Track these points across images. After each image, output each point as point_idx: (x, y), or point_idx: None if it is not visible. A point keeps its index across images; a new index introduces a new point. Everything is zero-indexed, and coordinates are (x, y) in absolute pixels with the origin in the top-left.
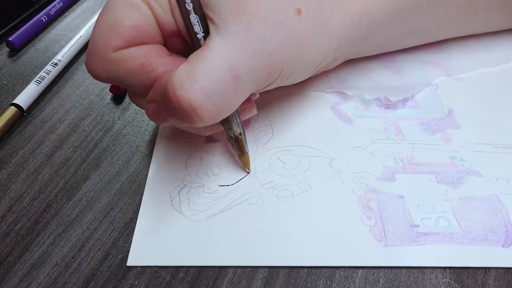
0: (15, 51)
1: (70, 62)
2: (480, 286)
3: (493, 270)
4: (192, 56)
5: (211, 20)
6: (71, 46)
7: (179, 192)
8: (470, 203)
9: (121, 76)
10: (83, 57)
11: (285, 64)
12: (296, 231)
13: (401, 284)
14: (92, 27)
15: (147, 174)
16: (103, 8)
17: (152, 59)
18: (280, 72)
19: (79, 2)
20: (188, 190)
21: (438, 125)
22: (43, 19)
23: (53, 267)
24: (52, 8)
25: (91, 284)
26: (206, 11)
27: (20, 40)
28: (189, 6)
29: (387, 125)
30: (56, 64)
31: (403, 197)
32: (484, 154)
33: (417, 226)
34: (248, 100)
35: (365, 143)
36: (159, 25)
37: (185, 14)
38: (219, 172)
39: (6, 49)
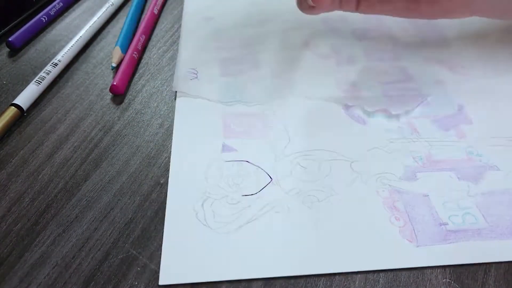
0: (15, 51)
1: (70, 62)
2: (480, 286)
3: (493, 270)
4: None
5: None
6: (71, 46)
7: (202, 205)
8: (493, 197)
9: None
10: (83, 57)
11: None
12: (326, 237)
13: (401, 284)
14: (92, 28)
15: (147, 174)
16: None
17: None
18: None
19: (79, 2)
20: (212, 202)
21: (451, 121)
22: (43, 19)
23: (53, 267)
24: (52, 8)
25: (91, 284)
26: None
27: (20, 41)
28: None
29: (401, 124)
30: (56, 64)
31: (428, 195)
32: (499, 148)
33: (446, 224)
34: None
35: (383, 143)
36: None
37: None
38: (240, 182)
39: (6, 49)
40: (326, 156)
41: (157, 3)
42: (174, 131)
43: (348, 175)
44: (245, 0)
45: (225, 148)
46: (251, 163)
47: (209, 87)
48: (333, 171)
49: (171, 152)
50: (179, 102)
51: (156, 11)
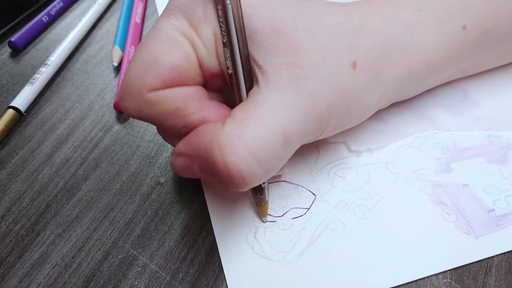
0: (17, 51)
1: (70, 62)
2: (481, 286)
3: (494, 270)
4: (239, 113)
5: (260, 68)
6: (63, 47)
7: (255, 236)
8: None
9: (154, 117)
10: (83, 58)
11: (333, 120)
12: (389, 247)
13: (401, 285)
14: (82, 28)
15: (147, 174)
16: (142, 42)
17: (190, 103)
18: (326, 128)
19: (79, 2)
20: (263, 231)
21: (461, 107)
22: (44, 19)
23: (53, 267)
24: (52, 8)
25: (91, 284)
26: (256, 56)
27: (22, 41)
28: (237, 53)
29: (418, 117)
30: (47, 65)
31: (467, 184)
32: None
33: (493, 210)
34: None
35: (408, 139)
36: (201, 66)
37: (233, 60)
38: (285, 205)
39: (7, 49)
40: (360, 162)
41: (137, 12)
42: None
43: (387, 177)
44: None
45: None
46: (289, 182)
47: None
48: (372, 176)
49: (203, 189)
50: None
51: (138, 20)
